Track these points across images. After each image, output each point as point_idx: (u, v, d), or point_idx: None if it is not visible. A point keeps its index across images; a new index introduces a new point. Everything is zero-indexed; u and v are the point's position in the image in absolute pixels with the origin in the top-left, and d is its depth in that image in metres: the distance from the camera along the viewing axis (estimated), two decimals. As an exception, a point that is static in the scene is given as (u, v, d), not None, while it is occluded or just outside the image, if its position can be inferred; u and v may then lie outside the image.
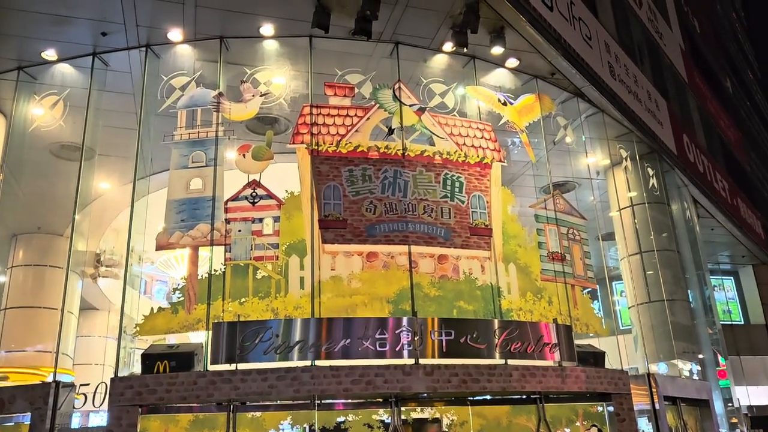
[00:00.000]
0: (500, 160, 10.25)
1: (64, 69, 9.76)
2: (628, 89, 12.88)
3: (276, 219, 8.92)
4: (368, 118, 9.68)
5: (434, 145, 9.95)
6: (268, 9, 9.11)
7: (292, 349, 7.83)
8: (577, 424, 9.84)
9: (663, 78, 15.85)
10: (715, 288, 19.84)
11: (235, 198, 8.92)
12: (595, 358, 9.67)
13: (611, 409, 9.47)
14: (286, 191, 9.20)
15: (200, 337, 8.38)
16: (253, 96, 9.36)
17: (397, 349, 8.10)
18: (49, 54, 9.57)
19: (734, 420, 14.10)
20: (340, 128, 9.49)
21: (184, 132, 9.15)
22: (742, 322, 21.43)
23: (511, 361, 8.65)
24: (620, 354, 10.76)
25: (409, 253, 9.11)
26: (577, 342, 9.57)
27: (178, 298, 8.60)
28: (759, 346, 20.10)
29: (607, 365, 9.82)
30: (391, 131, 9.71)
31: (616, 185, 13.52)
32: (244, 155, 9.08)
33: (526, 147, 10.97)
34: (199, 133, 9.14)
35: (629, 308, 13.54)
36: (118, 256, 14.14)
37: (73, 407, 7.76)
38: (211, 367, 7.79)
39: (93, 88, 9.59)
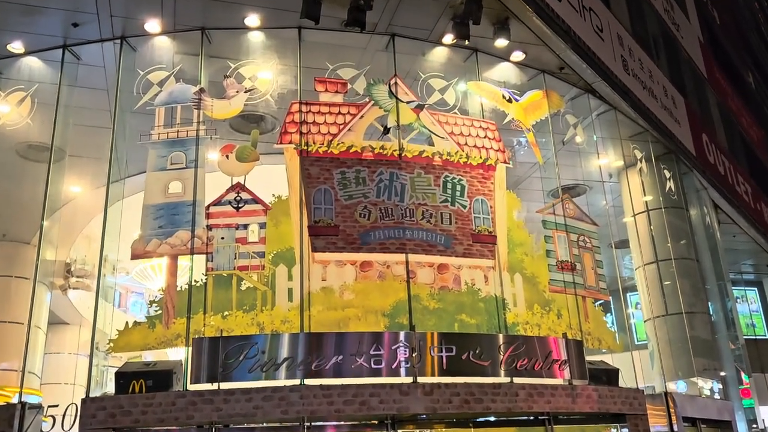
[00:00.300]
0: (505, 162, 10.27)
1: (32, 63, 9.75)
2: (643, 85, 12.93)
3: (262, 225, 8.91)
4: (362, 116, 9.70)
5: (433, 146, 9.97)
6: (254, -2, 9.15)
7: (280, 366, 7.81)
8: (589, 447, 9.86)
9: (680, 73, 15.93)
10: (738, 300, 19.90)
11: (217, 203, 8.91)
12: (608, 375, 9.68)
13: (626, 431, 9.47)
14: (273, 195, 9.19)
15: (179, 353, 8.36)
16: (237, 92, 9.37)
17: (394, 366, 8.10)
18: (16, 46, 9.56)
19: (759, 443, 14.13)
20: (331, 127, 9.51)
21: (163, 131, 9.14)
22: (767, 337, 21.48)
23: (517, 379, 8.66)
24: (635, 371, 10.78)
25: (407, 263, 9.11)
26: (588, 358, 9.58)
27: (156, 311, 8.57)
28: (785, 363, 20.16)
29: (621, 384, 9.84)
30: (386, 130, 9.73)
31: (630, 189, 13.55)
32: (227, 156, 9.08)
33: (532, 147, 10.99)
34: (178, 132, 9.13)
35: (645, 322, 13.55)
36: (90, 265, 14.09)
37: (41, 431, 7.72)
38: (191, 387, 7.76)
39: (63, 83, 9.58)
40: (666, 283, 13.26)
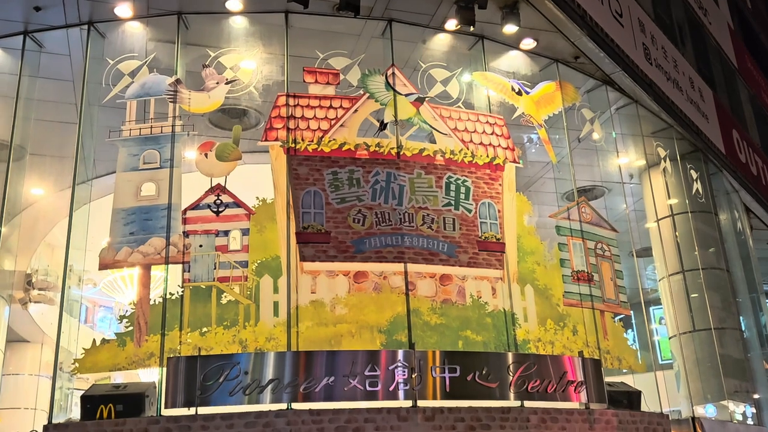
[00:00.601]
0: (514, 161, 10.28)
1: (-11, 51, 9.76)
2: (667, 76, 12.97)
3: (245, 232, 8.89)
4: (356, 111, 9.70)
5: (435, 143, 9.97)
6: (236, -21, 9.17)
7: (264, 389, 7.79)
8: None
9: (708, 63, 15.99)
10: (773, 314, 19.91)
11: (195, 206, 8.90)
12: (630, 398, 9.67)
13: (649, 460, 9.47)
14: (257, 198, 9.18)
15: (153, 375, 8.32)
16: (217, 83, 9.37)
17: (391, 388, 8.08)
18: (-29, 33, 9.57)
19: (797, 473, 14.11)
20: (321, 122, 9.51)
21: (134, 127, 9.13)
22: (805, 355, 21.49)
23: (528, 403, 8.64)
24: (659, 394, 10.78)
25: (405, 273, 9.10)
26: (607, 380, 9.57)
27: (126, 327, 8.54)
28: (826, 384, 20.16)
29: (644, 407, 9.83)
30: (383, 126, 9.73)
31: (653, 191, 13.58)
32: (206, 155, 9.07)
33: (545, 145, 11.01)
34: (152, 128, 9.12)
35: (670, 339, 13.56)
36: (53, 277, 14.04)
37: (-2, 461, 7.70)
38: (166, 412, 7.73)
39: (24, 73, 9.57)
40: (693, 295, 13.28)
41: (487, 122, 10.35)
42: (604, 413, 9.08)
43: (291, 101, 9.48)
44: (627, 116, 12.69)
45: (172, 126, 9.11)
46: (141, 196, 8.87)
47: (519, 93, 10.85)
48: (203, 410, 7.67)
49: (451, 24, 10.19)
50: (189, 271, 8.62)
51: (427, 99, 10.03)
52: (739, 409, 12.73)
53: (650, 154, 13.46)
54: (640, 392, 9.89)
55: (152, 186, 8.89)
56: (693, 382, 12.32)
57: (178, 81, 9.33)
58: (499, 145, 10.27)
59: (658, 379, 11.21)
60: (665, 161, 13.46)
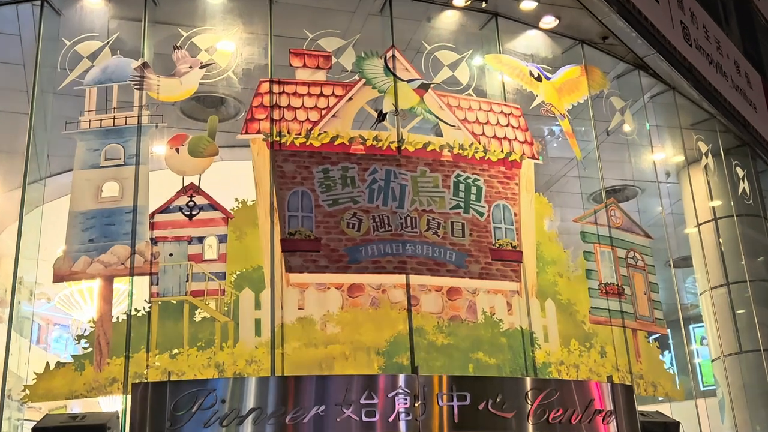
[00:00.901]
0: (533, 157, 10.29)
1: (-73, 30, 9.77)
2: (709, 59, 13.00)
3: (222, 238, 8.88)
4: (350, 99, 9.70)
5: (442, 136, 9.99)
6: (212, -53, 9.20)
7: (245, 419, 7.77)
8: None
9: (756, 43, 16.02)
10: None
11: (164, 209, 8.89)
12: (667, 430, 9.67)
13: (689, 501, 9.47)
14: (236, 200, 9.17)
15: (115, 403, 8.30)
16: (190, 68, 9.37)
17: (391, 419, 8.06)
18: None
19: None
20: (311, 112, 9.52)
21: (95, 117, 9.13)
22: None
23: (549, 436, 8.65)
24: (701, 425, 10.78)
25: (407, 286, 9.11)
26: (640, 409, 9.57)
27: (85, 349, 8.50)
28: None
29: (683, 441, 9.84)
30: (381, 117, 9.74)
31: (693, 191, 13.60)
32: (177, 150, 9.07)
33: (568, 138, 11.02)
34: (114, 118, 9.12)
35: (712, 361, 13.57)
36: (0, 290, 14.04)
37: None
38: (131, 446, 7.73)
39: (-33, 56, 9.58)
40: (740, 311, 13.28)
41: (502, 112, 10.36)
42: (636, 448, 9.08)
43: (275, 88, 9.48)
44: (663, 105, 12.71)
45: (138, 117, 9.10)
46: (102, 197, 8.86)
47: (538, 79, 10.86)
48: (174, 444, 7.66)
49: (460, -1, 10.23)
50: (157, 284, 8.60)
51: (432, 85, 10.04)
52: (792, 443, 12.74)
53: (690, 148, 13.48)
54: (678, 423, 9.89)
55: (115, 186, 8.88)
56: (739, 412, 12.32)
57: (145, 65, 9.33)
58: (516, 139, 10.27)
59: (699, 408, 11.20)
60: (707, 157, 13.48)
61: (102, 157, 8.99)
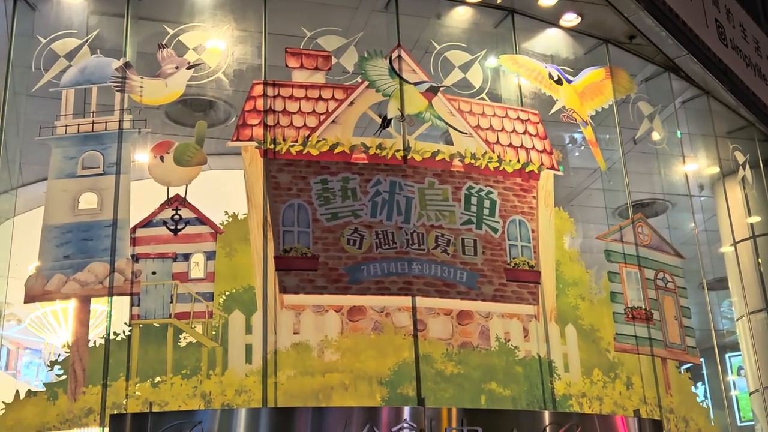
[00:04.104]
0: (553, 167, 10.31)
1: None
2: (746, 60, 13.02)
3: (210, 256, 8.91)
4: (352, 103, 9.74)
5: (452, 144, 10.02)
6: (201, -63, 9.27)
7: (233, 455, 7.79)
8: None
9: (799, 44, 16.02)
10: None
11: (147, 223, 8.92)
12: (699, 470, 9.66)
13: None
14: (226, 213, 9.20)
15: (91, 436, 8.30)
16: (176, 68, 9.42)
17: (395, 456, 8.08)
18: None
19: None
20: (308, 118, 9.55)
21: (72, 122, 9.18)
22: None
23: (569, 476, 8.64)
24: (738, 464, 10.78)
25: (414, 309, 9.11)
26: (670, 446, 9.56)
27: (58, 376, 8.52)
28: None
29: (718, 482, 9.82)
30: (386, 123, 9.77)
31: (729, 206, 13.60)
32: (162, 158, 9.10)
33: (591, 147, 11.04)
34: (93, 123, 9.16)
35: (751, 394, 13.52)
36: (-34, 311, 14.08)
37: None
38: (108, 484, 7.73)
39: (-67, 54, 9.63)
40: (781, 339, 13.26)
41: (518, 118, 10.39)
42: (666, 489, 9.06)
43: (270, 91, 9.52)
44: (695, 112, 12.73)
45: (120, 121, 9.14)
46: (79, 209, 8.89)
47: (558, 81, 10.89)
48: (155, 482, 7.66)
49: (473, -6, 10.29)
50: (139, 305, 8.61)
51: (441, 89, 10.08)
52: (839, 486, 12.69)
53: (725, 159, 13.48)
54: (712, 463, 9.88)
55: (93, 197, 8.91)
56: (780, 450, 12.29)
57: (127, 65, 9.38)
58: (534, 148, 10.30)
59: (736, 445, 11.20)
60: (744, 168, 13.48)
61: (79, 166, 9.02)
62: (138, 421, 7.84)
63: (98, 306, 8.91)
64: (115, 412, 8.03)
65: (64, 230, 8.78)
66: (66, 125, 9.16)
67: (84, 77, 9.34)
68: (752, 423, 13.70)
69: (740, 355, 14.07)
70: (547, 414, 8.86)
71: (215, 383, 8.45)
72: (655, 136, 11.85)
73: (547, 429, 8.63)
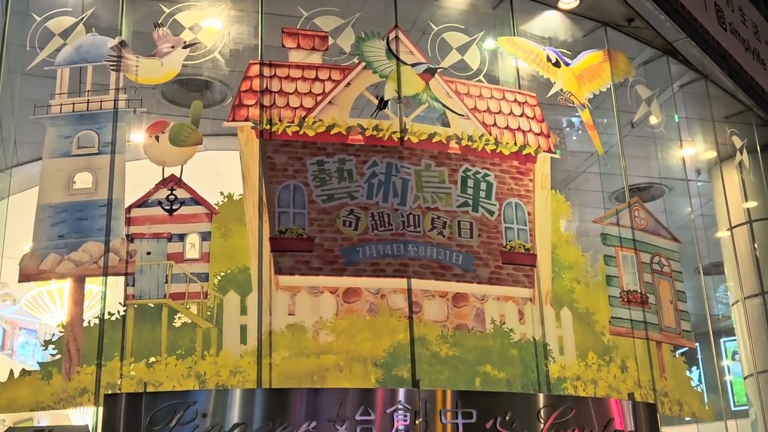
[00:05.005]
0: (549, 150, 10.30)
1: None
2: (745, 45, 13.00)
3: (205, 236, 8.91)
4: (348, 84, 9.72)
5: (449, 126, 10.00)
6: None
7: (228, 436, 7.81)
8: None
9: (798, 29, 15.99)
10: None
11: (142, 203, 8.91)
12: (693, 454, 9.71)
13: None
14: (222, 194, 9.20)
15: (86, 416, 8.31)
16: (172, 47, 9.38)
17: (389, 437, 8.10)
18: None
19: None
20: (305, 98, 9.53)
21: (66, 101, 9.15)
22: None
23: (563, 458, 8.67)
24: (731, 448, 10.81)
25: (409, 291, 9.12)
26: (665, 429, 9.57)
27: (53, 356, 8.53)
28: None
29: (711, 466, 9.87)
30: (383, 104, 9.75)
31: (725, 191, 13.61)
32: (157, 138, 9.08)
33: (589, 131, 11.03)
34: (88, 102, 9.13)
35: (745, 378, 13.57)
36: (-40, 291, 14.09)
37: None
38: (102, 463, 7.75)
39: (-75, 32, 9.59)
40: (776, 324, 13.29)
41: (516, 101, 10.38)
42: (659, 472, 9.09)
43: (266, 71, 9.50)
44: (694, 96, 12.71)
45: (115, 101, 9.11)
46: (74, 189, 8.87)
47: (556, 64, 10.87)
48: (149, 462, 7.68)
49: (471, -25, 10.26)
50: (133, 286, 8.62)
51: (439, 70, 10.05)
52: (832, 471, 12.74)
53: (723, 143, 13.48)
54: (705, 446, 9.93)
55: (88, 176, 8.89)
56: (775, 435, 12.34)
57: (122, 44, 9.34)
58: (531, 130, 10.29)
59: (730, 429, 11.21)
60: (742, 153, 13.48)
61: (74, 145, 9.00)
62: (132, 401, 7.85)
63: (93, 287, 8.90)
64: (109, 392, 8.04)
65: (59, 209, 8.76)
66: (61, 104, 9.13)
67: (79, 56, 9.30)
68: (746, 407, 13.75)
69: (735, 340, 14.12)
70: (541, 397, 8.89)
71: (210, 364, 8.46)
72: (653, 120, 11.84)
73: (542, 412, 8.66)
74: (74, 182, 8.90)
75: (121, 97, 9.13)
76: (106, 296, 8.55)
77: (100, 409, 7.94)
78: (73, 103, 9.13)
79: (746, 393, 13.65)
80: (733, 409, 15.95)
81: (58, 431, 8.04)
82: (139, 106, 9.19)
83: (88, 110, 9.10)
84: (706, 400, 11.37)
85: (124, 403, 7.87)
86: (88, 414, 8.20)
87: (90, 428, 8.02)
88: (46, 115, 9.07)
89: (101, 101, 9.11)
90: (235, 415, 7.87)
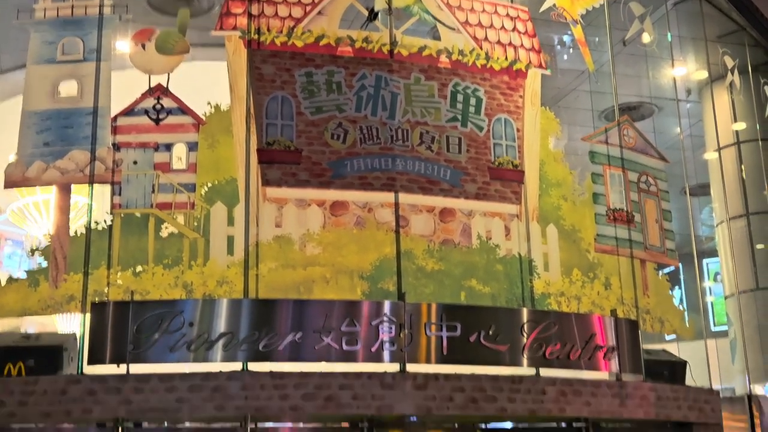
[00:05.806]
0: (540, 66, 10.24)
1: None
2: (741, -38, 12.82)
3: (192, 146, 8.88)
4: (338, -6, 9.62)
5: (439, 40, 9.91)
6: None
7: (214, 344, 7.85)
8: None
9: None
10: None
11: (128, 111, 8.87)
12: (672, 370, 9.83)
13: (692, 445, 9.68)
14: (209, 104, 9.16)
15: (73, 323, 8.37)
16: (159, -47, 9.22)
17: (374, 349, 8.16)
18: None
19: None
20: (293, 8, 9.41)
21: (51, 6, 9.01)
22: None
23: (545, 371, 8.77)
24: (709, 366, 10.94)
25: (396, 205, 9.13)
26: (645, 346, 9.71)
27: (39, 264, 8.55)
28: None
29: (689, 382, 10.01)
30: (373, 16, 9.63)
31: (715, 111, 13.57)
32: (143, 45, 8.98)
33: (580, 47, 10.95)
34: (73, 8, 9.00)
35: (726, 299, 13.72)
36: (-55, 200, 14.03)
37: None
38: (89, 369, 7.79)
39: None
40: (759, 246, 13.40)
41: (507, 15, 10.27)
42: (639, 386, 9.23)
43: (255, -21, 9.36)
44: (687, 14, 12.58)
45: (100, 6, 8.99)
46: (59, 96, 8.81)
47: (549, -22, 10.74)
48: (136, 368, 7.73)
49: None
50: (120, 195, 8.63)
51: (430, -18, 9.92)
52: (808, 389, 12.98)
53: (714, 64, 13.39)
54: (685, 363, 10.06)
55: (73, 84, 8.82)
56: (752, 354, 12.50)
57: (108, -53, 9.16)
58: (522, 46, 10.20)
59: (709, 348, 11.35)
60: (733, 74, 13.40)
61: (59, 51, 8.89)
62: (119, 309, 7.90)
63: (80, 198, 8.88)
64: (96, 300, 8.08)
65: (44, 117, 8.71)
66: (45, 9, 9.00)
67: (63, -42, 9.14)
68: (726, 327, 13.94)
69: (718, 260, 14.23)
70: (525, 312, 8.97)
71: (197, 274, 8.52)
72: (645, 38, 11.72)
73: (525, 326, 8.73)
74: (59, 90, 8.84)
75: (106, 3, 8.99)
76: (92, 205, 8.54)
77: (88, 316, 7.98)
78: (58, 8, 9.00)
79: (727, 313, 13.82)
80: (712, 328, 16.18)
81: (45, 338, 8.07)
82: (125, 13, 9.08)
83: (72, 16, 8.98)
84: (687, 319, 11.51)
85: (112, 311, 7.91)
86: (76, 321, 8.25)
87: (77, 335, 8.07)
88: (29, 21, 8.96)
89: (86, 6, 8.98)
90: (221, 325, 7.93)
